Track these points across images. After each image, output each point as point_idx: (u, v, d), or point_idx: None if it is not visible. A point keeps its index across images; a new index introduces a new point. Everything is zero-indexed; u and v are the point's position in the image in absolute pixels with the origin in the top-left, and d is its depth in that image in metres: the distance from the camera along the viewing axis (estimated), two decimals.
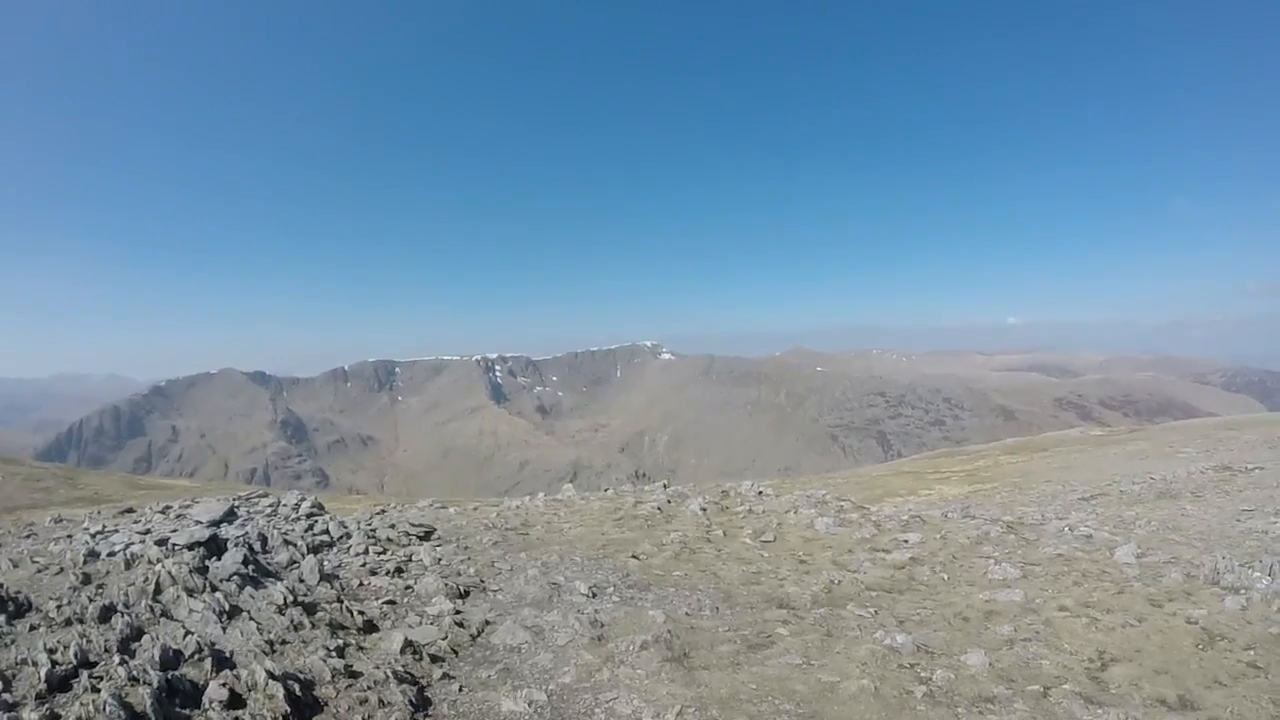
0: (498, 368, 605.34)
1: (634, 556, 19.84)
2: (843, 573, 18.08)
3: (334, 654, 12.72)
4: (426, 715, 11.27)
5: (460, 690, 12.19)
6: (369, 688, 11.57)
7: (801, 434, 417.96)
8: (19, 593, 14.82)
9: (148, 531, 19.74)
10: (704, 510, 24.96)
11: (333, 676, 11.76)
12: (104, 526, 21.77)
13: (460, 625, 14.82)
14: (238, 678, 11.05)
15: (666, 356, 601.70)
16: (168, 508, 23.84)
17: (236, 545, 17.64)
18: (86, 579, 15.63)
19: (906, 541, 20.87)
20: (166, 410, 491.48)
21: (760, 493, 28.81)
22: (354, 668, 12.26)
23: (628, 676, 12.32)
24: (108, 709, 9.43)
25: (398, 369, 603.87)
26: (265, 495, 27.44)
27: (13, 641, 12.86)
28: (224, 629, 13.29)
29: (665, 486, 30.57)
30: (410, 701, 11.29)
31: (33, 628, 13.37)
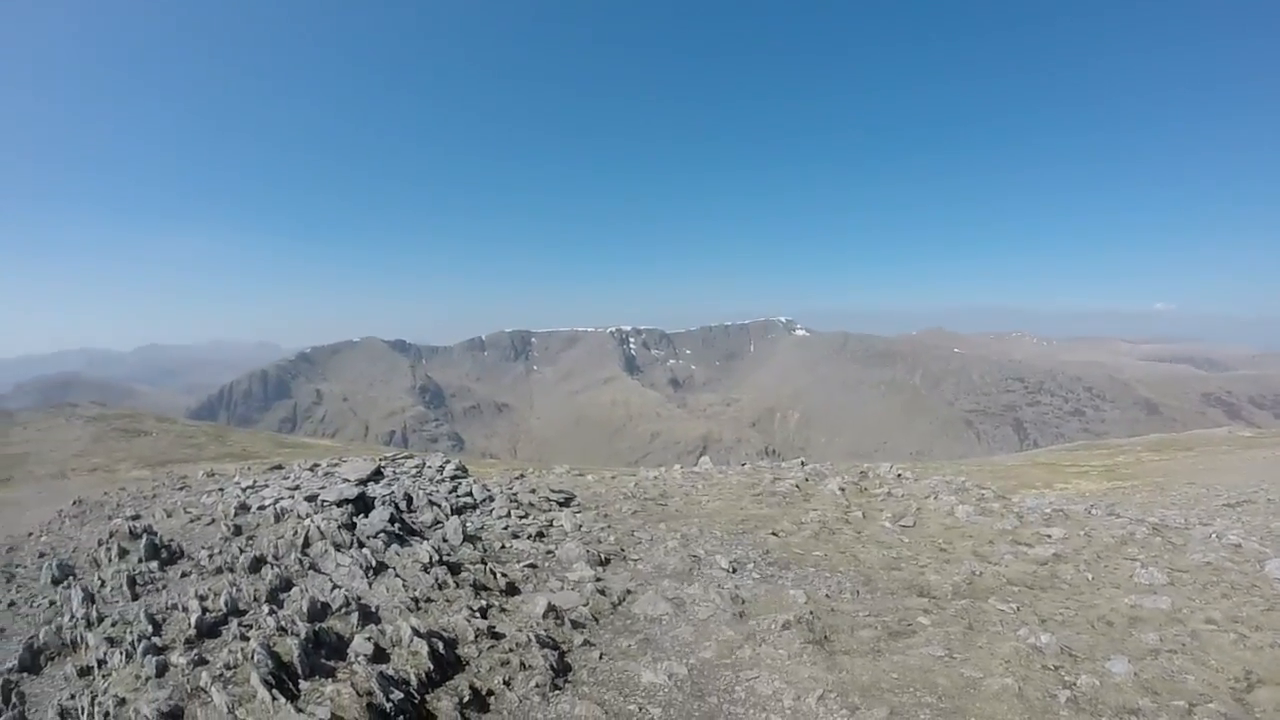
0: (632, 340, 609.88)
1: (773, 533, 19.72)
2: (984, 564, 17.65)
3: (477, 614, 13.05)
4: (566, 681, 11.50)
5: (600, 658, 12.42)
6: (511, 650, 11.89)
7: (935, 417, 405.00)
8: (172, 541, 15.74)
9: (297, 487, 20.60)
10: (842, 490, 24.54)
11: (475, 636, 12.14)
12: (254, 481, 22.85)
13: (601, 593, 15.08)
14: (383, 633, 11.45)
15: (800, 333, 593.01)
16: (316, 465, 24.85)
17: (383, 504, 18.24)
18: (237, 530, 16.39)
19: (1049, 536, 20.17)
20: (312, 375, 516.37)
21: (899, 475, 28.17)
22: (496, 629, 12.62)
23: (769, 656, 12.35)
24: (255, 657, 9.84)
25: (534, 339, 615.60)
26: (410, 457, 28.28)
27: (164, 587, 13.64)
28: (370, 584, 13.76)
29: (803, 464, 30.27)
30: (551, 666, 11.57)
31: (184, 575, 14.15)
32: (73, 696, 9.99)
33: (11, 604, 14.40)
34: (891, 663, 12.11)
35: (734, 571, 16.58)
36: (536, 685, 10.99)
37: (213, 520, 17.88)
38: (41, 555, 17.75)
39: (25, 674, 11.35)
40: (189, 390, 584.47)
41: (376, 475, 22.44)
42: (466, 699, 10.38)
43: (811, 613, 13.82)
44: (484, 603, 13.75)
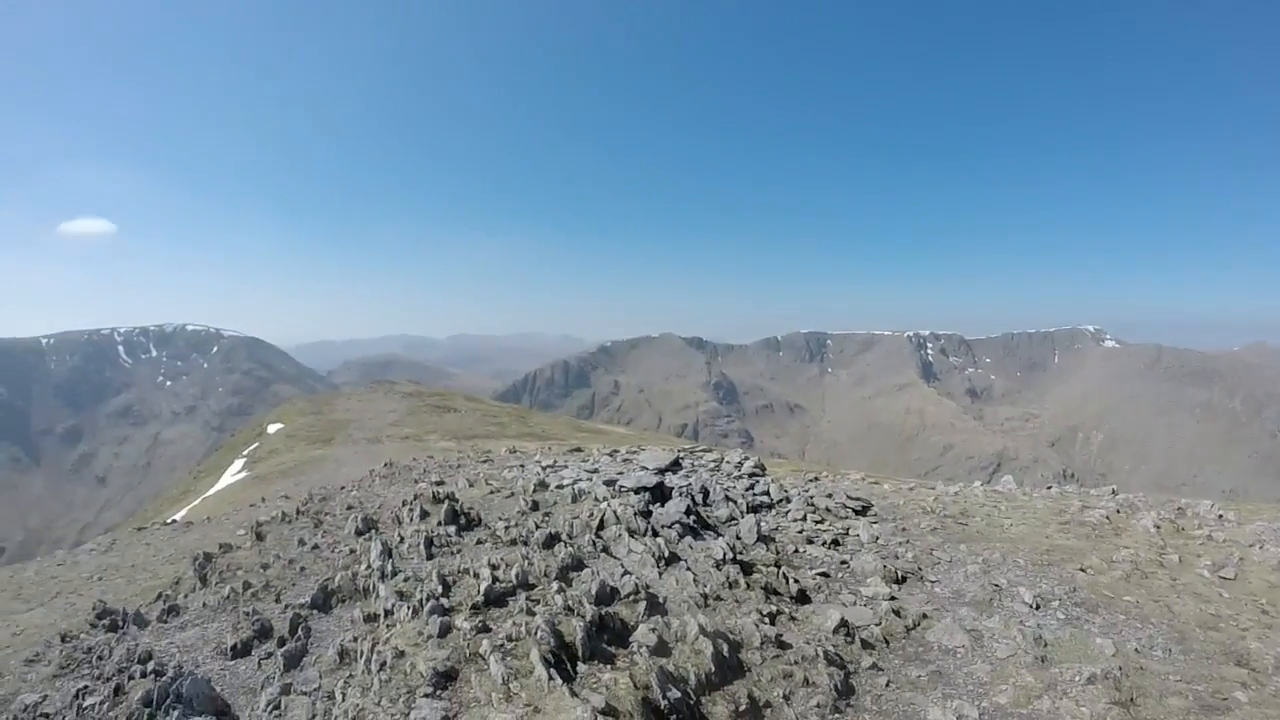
0: (929, 345, 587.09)
1: (1081, 569, 18.08)
2: None
3: (766, 620, 12.62)
4: (848, 705, 10.87)
5: (887, 685, 11.69)
6: (796, 663, 11.34)
7: (1256, 449, 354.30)
8: (471, 509, 16.40)
9: (595, 470, 21.07)
10: (1157, 528, 22.06)
11: (761, 643, 11.67)
12: (555, 461, 23.68)
13: (896, 614, 14.26)
14: (668, 626, 11.22)
15: (1109, 344, 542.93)
16: (615, 451, 25.41)
17: (680, 495, 18.20)
18: (535, 506, 16.84)
19: None
20: (610, 367, 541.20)
21: (1220, 516, 24.82)
22: (784, 638, 12.11)
23: (1069, 712, 11.17)
24: (539, 633, 9.83)
25: (829, 341, 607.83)
26: (709, 450, 28.34)
27: (458, 551, 14.16)
28: (660, 574, 13.60)
29: (1114, 493, 27.68)
30: (835, 687, 10.94)
31: (479, 542, 14.65)
32: (354, 639, 10.56)
33: (315, 547, 15.63)
34: None
35: (1037, 608, 15.26)
36: (817, 705, 10.45)
37: (511, 494, 18.57)
38: (349, 508, 19.19)
39: (315, 611, 12.23)
40: (496, 375, 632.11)
41: (675, 466, 22.59)
42: (743, 708, 9.98)
43: (1120, 668, 12.46)
44: (774, 608, 13.32)
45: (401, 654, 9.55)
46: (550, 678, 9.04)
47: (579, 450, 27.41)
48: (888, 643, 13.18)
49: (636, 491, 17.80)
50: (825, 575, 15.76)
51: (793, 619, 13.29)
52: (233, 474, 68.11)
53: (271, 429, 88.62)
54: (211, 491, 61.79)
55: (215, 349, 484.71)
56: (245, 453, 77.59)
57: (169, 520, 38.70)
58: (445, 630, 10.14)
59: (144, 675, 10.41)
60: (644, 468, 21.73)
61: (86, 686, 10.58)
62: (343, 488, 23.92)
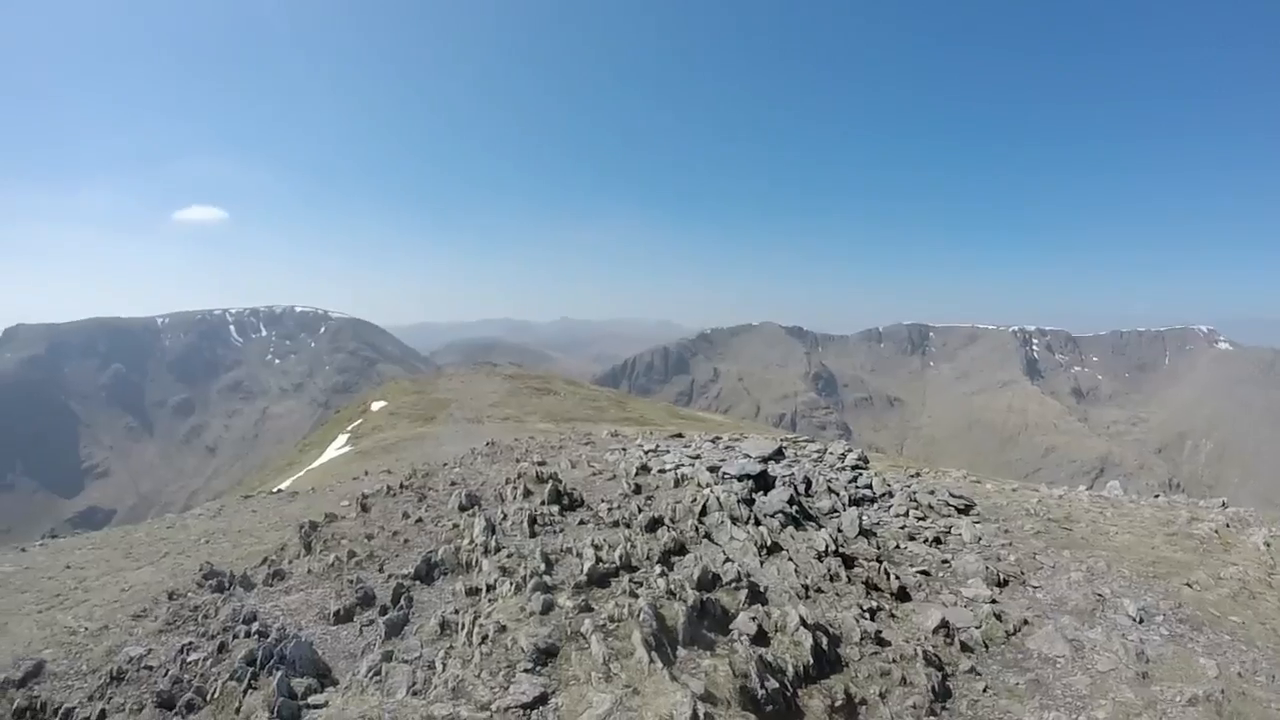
0: (1035, 341, 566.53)
1: (1187, 584, 17.26)
2: None
3: (866, 615, 12.43)
4: (944, 708, 10.65)
5: (984, 691, 11.41)
6: (894, 661, 11.15)
7: None
8: (574, 490, 16.49)
9: (697, 456, 21.03)
10: (1268, 546, 20.98)
11: (860, 639, 11.48)
12: (657, 446, 23.71)
13: (997, 618, 13.82)
14: (768, 615, 11.12)
15: (1223, 346, 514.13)
16: (718, 438, 25.34)
17: (784, 484, 18.01)
18: (637, 489, 16.85)
19: None
20: (710, 354, 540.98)
21: None
22: (883, 635, 11.88)
23: None
24: (641, 615, 9.79)
25: (931, 334, 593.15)
26: (811, 441, 28.09)
27: (561, 531, 14.23)
28: (761, 563, 13.49)
29: (1224, 506, 26.49)
30: (932, 688, 10.71)
31: (581, 522, 14.70)
32: (456, 611, 10.67)
33: (419, 520, 15.90)
34: None
35: (1141, 622, 14.62)
36: (913, 705, 10.26)
37: (613, 476, 18.64)
38: (453, 484, 19.47)
39: (418, 582, 12.44)
40: (596, 359, 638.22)
41: (778, 455, 22.39)
42: (839, 703, 9.83)
43: (1222, 691, 11.88)
44: (874, 604, 13.09)
45: (503, 628, 9.61)
46: (651, 660, 8.98)
47: (680, 436, 27.38)
48: (987, 647, 12.86)
49: (740, 479, 17.67)
50: (925, 574, 15.43)
51: (892, 616, 13.05)
52: (336, 448, 70.08)
53: (375, 406, 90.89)
54: (316, 464, 63.69)
55: (323, 329, 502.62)
56: (349, 428, 79.76)
57: (274, 490, 40.03)
58: (548, 607, 10.17)
59: (248, 635, 10.70)
60: (747, 455, 21.58)
61: (191, 643, 10.93)
62: (445, 464, 24.31)
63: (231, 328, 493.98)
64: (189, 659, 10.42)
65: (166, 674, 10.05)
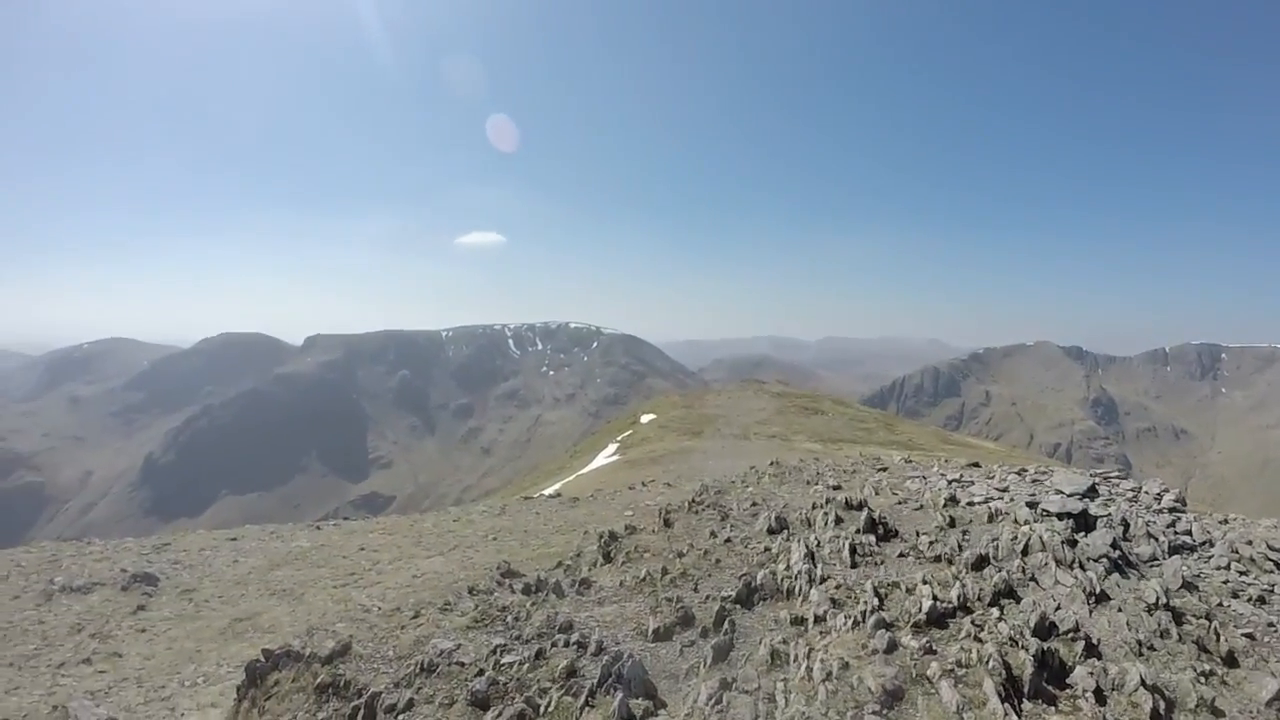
0: None
1: None
2: None
3: (1201, 679, 11.06)
4: None
5: None
6: None
7: None
8: (884, 518, 15.89)
9: (1005, 489, 19.93)
10: None
11: (1196, 705, 10.29)
12: (960, 476, 22.68)
13: None
14: (1104, 671, 10.21)
15: None
16: (1024, 470, 24.01)
17: (1106, 526, 16.71)
18: (951, 522, 16.07)
19: None
20: (982, 376, 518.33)
21: None
22: (1216, 703, 10.57)
23: None
24: (990, 662, 9.20)
25: (1224, 355, 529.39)
26: (1124, 477, 26.10)
27: (881, 563, 13.69)
28: (1090, 612, 12.44)
29: None
30: None
31: (900, 555, 14.11)
32: (784, 641, 10.34)
33: (727, 540, 15.77)
34: None
35: None
36: None
37: (920, 506, 17.94)
38: (753, 504, 19.29)
39: (739, 606, 12.21)
40: (863, 379, 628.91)
41: (1092, 492, 20.90)
42: None
43: None
44: (1206, 666, 11.71)
45: (846, 665, 9.23)
46: (1005, 713, 8.41)
47: (977, 465, 26.13)
48: None
49: (1060, 517, 16.52)
50: (1250, 637, 13.75)
51: (1224, 682, 11.68)
52: (605, 456, 72.39)
53: (644, 419, 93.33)
54: (585, 470, 66.03)
55: (595, 344, 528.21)
56: (619, 438, 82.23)
57: (543, 493, 41.72)
58: (891, 646, 9.73)
59: (566, 645, 10.75)
60: (1059, 491, 20.21)
61: (505, 644, 11.07)
62: (733, 481, 24.30)
63: (510, 341, 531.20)
64: (503, 660, 10.56)
65: (481, 674, 10.20)
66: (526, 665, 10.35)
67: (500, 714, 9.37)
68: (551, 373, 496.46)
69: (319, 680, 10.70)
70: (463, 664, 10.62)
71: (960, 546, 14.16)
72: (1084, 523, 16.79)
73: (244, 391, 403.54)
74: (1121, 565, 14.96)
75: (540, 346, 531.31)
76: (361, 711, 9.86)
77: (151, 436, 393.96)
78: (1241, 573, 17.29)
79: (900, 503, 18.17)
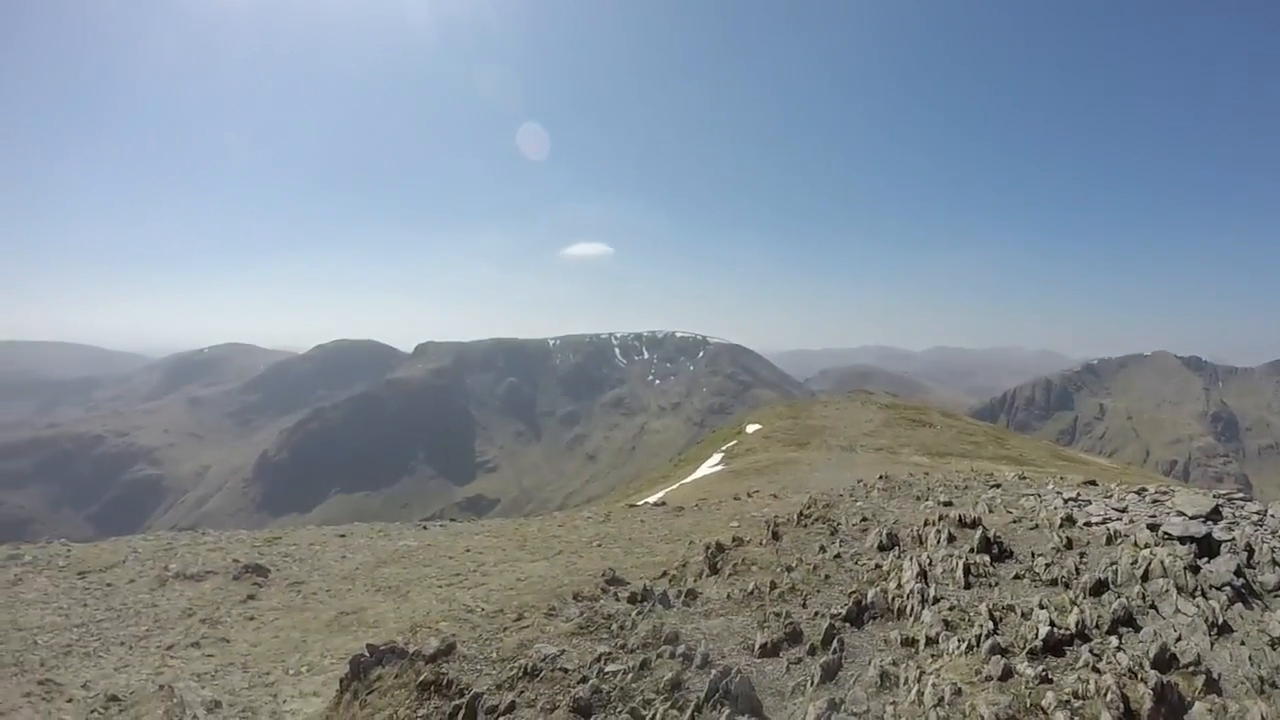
0: None
1: None
2: None
3: None
4: None
5: None
6: None
7: None
8: (999, 537, 15.48)
9: (1124, 509, 19.23)
10: None
11: None
12: (1077, 495, 21.97)
13: None
14: (1224, 709, 9.69)
15: None
16: (1143, 490, 23.16)
17: (1230, 551, 15.96)
18: (1068, 544, 15.58)
19: None
20: (1096, 388, 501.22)
21: None
22: None
23: None
24: (1109, 695, 8.89)
25: None
26: (1248, 499, 24.95)
27: (996, 585, 13.33)
28: (1211, 644, 11.84)
29: None
30: None
31: (1016, 577, 13.71)
32: (894, 663, 10.11)
33: (837, 556, 15.55)
34: None
35: None
36: None
37: (1035, 525, 17.40)
38: (863, 520, 18.98)
39: (848, 624, 12.00)
40: (972, 391, 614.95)
41: (1215, 514, 19.94)
42: None
43: None
44: None
45: (959, 691, 9.00)
46: None
47: (1094, 483, 25.26)
48: None
49: (1182, 541, 15.80)
50: None
51: None
52: (710, 465, 72.09)
53: (750, 429, 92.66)
54: (689, 479, 65.84)
55: (701, 354, 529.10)
56: (724, 448, 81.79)
57: (648, 501, 41.72)
58: (1006, 674, 9.46)
59: (671, 656, 10.65)
60: (1181, 513, 19.35)
61: (609, 653, 11.03)
62: (841, 495, 23.98)
63: (616, 350, 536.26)
64: (607, 669, 10.52)
65: (584, 681, 10.16)
66: (631, 675, 10.32)
67: None
68: (657, 381, 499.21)
69: (421, 678, 10.82)
70: (566, 670, 10.61)
71: (1078, 570, 13.71)
72: (1207, 548, 16.08)
73: (355, 395, 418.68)
74: (1245, 595, 14.28)
75: (646, 355, 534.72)
76: (463, 711, 9.92)
77: (266, 436, 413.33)
78: None
79: (1014, 521, 17.67)
